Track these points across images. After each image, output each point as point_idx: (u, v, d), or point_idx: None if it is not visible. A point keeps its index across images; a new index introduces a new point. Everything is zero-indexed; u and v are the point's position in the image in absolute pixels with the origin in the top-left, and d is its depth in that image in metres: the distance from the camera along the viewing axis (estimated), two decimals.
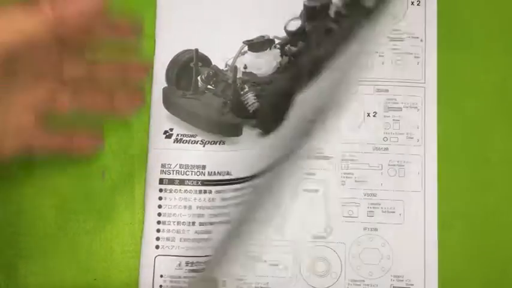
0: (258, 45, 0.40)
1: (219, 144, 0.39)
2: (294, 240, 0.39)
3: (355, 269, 0.39)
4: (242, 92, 0.39)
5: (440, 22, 0.41)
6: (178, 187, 0.39)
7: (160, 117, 0.40)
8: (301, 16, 0.40)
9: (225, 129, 0.39)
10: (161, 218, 0.39)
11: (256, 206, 0.38)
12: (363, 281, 0.39)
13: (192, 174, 0.39)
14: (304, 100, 0.38)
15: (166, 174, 0.39)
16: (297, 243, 0.39)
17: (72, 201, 0.39)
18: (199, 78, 0.40)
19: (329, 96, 0.38)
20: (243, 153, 0.39)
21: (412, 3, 0.42)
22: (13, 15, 0.27)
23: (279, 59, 0.41)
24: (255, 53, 0.40)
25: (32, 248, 0.38)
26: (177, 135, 0.40)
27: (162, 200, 0.39)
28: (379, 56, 0.41)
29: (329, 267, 0.39)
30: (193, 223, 0.39)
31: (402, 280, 0.39)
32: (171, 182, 0.39)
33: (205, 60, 0.41)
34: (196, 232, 0.38)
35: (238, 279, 0.39)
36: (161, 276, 0.38)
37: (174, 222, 0.39)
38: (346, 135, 0.41)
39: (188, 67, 0.40)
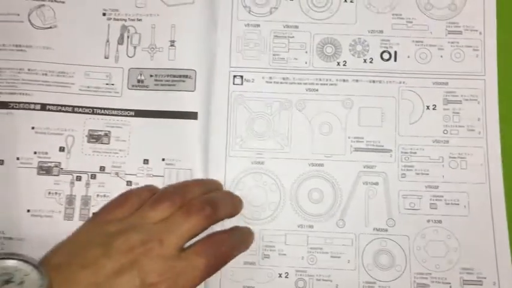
0: None
1: None
2: (355, 232, 0.40)
3: (421, 261, 0.39)
4: None
5: (500, 13, 0.42)
6: None
7: None
8: None
9: None
10: None
11: None
12: (430, 274, 0.39)
13: None
14: None
15: None
16: (359, 236, 0.40)
17: None
18: None
19: None
20: None
21: None
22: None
23: None
24: None
25: None
26: None
27: None
28: (438, 49, 0.42)
29: (393, 260, 0.39)
30: None
31: (472, 273, 0.39)
32: None
33: None
34: None
35: (301, 271, 0.39)
36: None
37: None
38: (405, 128, 0.41)
39: None
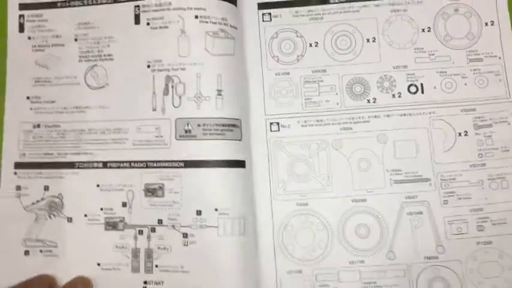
0: None
1: None
2: (406, 263, 0.43)
3: (477, 284, 0.42)
4: None
5: None
6: None
7: None
8: None
9: None
10: None
11: None
12: None
13: None
14: None
15: None
16: (410, 266, 0.43)
17: None
18: None
19: None
20: None
21: (486, 24, 0.47)
22: None
23: None
24: None
25: None
26: None
27: None
28: (462, 77, 0.46)
29: (448, 286, 0.42)
30: None
31: None
32: None
33: None
34: None
35: None
36: None
37: None
38: (440, 156, 0.45)
39: None
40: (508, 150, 0.45)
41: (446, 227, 0.44)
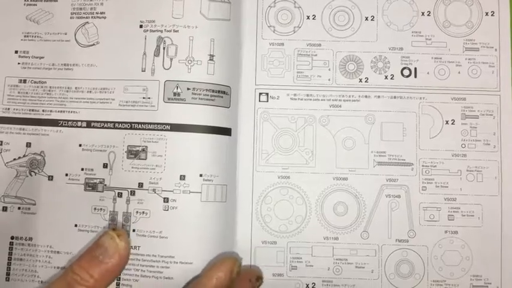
0: None
1: None
2: (378, 243, 0.49)
3: (437, 270, 0.49)
4: None
5: None
6: None
7: None
8: None
9: None
10: None
11: None
12: (445, 281, 0.49)
13: None
14: None
15: None
16: (382, 247, 0.49)
17: None
18: None
19: None
20: None
21: (487, 13, 0.51)
22: None
23: None
24: None
25: None
26: None
27: None
28: (456, 65, 0.51)
29: (413, 269, 0.49)
30: None
31: (481, 279, 0.49)
32: None
33: None
34: None
35: (327, 281, 0.49)
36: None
37: None
38: (425, 142, 0.50)
39: None
40: (489, 144, 0.50)
41: (420, 213, 0.50)
